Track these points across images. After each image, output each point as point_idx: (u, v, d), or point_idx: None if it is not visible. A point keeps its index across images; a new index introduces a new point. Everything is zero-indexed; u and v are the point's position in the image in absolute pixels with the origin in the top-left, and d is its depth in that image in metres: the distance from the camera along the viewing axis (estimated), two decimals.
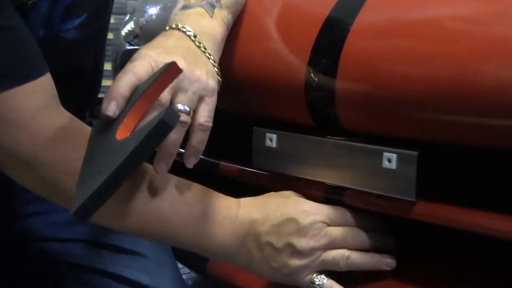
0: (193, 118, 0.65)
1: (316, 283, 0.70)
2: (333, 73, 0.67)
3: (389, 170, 0.66)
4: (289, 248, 0.69)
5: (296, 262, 0.69)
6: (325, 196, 0.74)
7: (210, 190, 0.72)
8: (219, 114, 0.90)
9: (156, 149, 0.63)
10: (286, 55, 0.73)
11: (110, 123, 0.62)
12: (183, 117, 0.63)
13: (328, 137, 0.72)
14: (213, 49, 0.71)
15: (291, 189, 0.78)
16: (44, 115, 0.69)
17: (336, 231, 0.71)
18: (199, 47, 0.69)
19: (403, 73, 0.63)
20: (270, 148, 0.78)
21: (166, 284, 0.92)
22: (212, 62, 0.70)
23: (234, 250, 0.71)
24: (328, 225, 0.71)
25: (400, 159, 0.65)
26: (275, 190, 0.80)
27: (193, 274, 1.36)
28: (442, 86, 0.59)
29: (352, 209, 0.72)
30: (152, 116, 0.60)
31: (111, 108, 0.61)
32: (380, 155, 0.66)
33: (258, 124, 0.80)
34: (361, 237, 0.72)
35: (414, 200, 0.65)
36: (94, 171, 0.59)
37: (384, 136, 0.68)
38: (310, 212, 0.71)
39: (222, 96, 0.84)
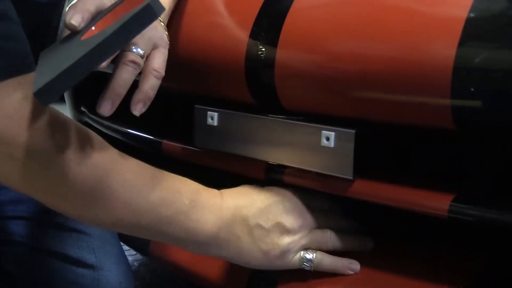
0: (146, 64, 0.64)
1: (308, 257, 0.69)
2: (273, 49, 0.67)
3: (327, 149, 0.66)
4: (278, 228, 0.69)
5: (286, 239, 0.69)
6: (266, 174, 0.73)
7: (189, 179, 0.70)
8: (161, 92, 0.89)
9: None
10: (228, 31, 0.72)
11: (72, 37, 0.60)
12: (137, 59, 0.62)
13: (269, 115, 0.72)
14: (162, 16, 0.71)
15: (232, 167, 0.78)
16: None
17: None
18: None
19: (341, 50, 0.62)
20: (212, 126, 0.77)
21: (111, 263, 0.91)
22: (163, 24, 0.70)
23: (224, 238, 0.69)
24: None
25: (338, 137, 0.65)
26: (217, 169, 0.80)
27: (139, 256, 1.34)
28: (382, 64, 0.59)
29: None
30: None
31: (76, 18, 0.59)
32: (318, 133, 0.66)
33: (200, 103, 0.79)
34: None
35: (351, 178, 0.65)
36: (60, 60, 0.57)
37: (323, 115, 0.68)
38: (293, 194, 0.71)
39: (164, 74, 0.83)
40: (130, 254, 1.26)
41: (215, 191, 0.71)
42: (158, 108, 0.89)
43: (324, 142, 0.66)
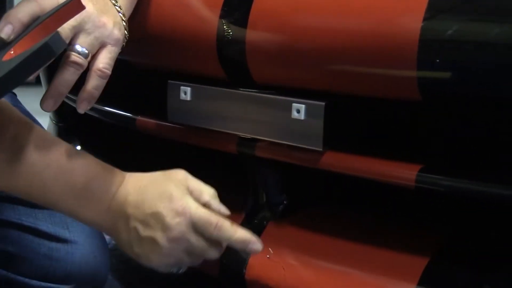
0: (92, 64, 0.65)
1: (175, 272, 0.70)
2: (244, 25, 0.67)
3: (298, 121, 0.67)
4: (151, 242, 0.67)
5: (156, 257, 0.67)
6: (238, 148, 0.74)
7: (100, 162, 0.70)
8: (135, 69, 0.89)
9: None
10: (199, 8, 0.73)
11: (1, 48, 0.60)
12: (79, 59, 0.62)
13: (241, 89, 0.73)
14: (125, 4, 0.71)
15: (205, 142, 0.78)
16: None
17: (197, 241, 0.67)
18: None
19: (310, 25, 0.63)
20: (185, 101, 0.77)
21: (85, 237, 0.91)
22: (121, 15, 0.69)
23: (106, 228, 0.70)
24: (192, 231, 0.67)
25: (308, 109, 0.66)
26: (190, 143, 0.81)
27: None
28: (349, 38, 0.60)
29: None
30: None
31: (5, 30, 0.59)
32: (289, 106, 0.67)
33: (174, 78, 0.80)
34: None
35: (321, 150, 0.66)
36: None
37: (293, 89, 0.69)
38: (179, 213, 0.66)
39: (138, 51, 0.83)
40: None
41: (117, 177, 0.69)
42: (132, 84, 0.90)
43: (294, 114, 0.67)
